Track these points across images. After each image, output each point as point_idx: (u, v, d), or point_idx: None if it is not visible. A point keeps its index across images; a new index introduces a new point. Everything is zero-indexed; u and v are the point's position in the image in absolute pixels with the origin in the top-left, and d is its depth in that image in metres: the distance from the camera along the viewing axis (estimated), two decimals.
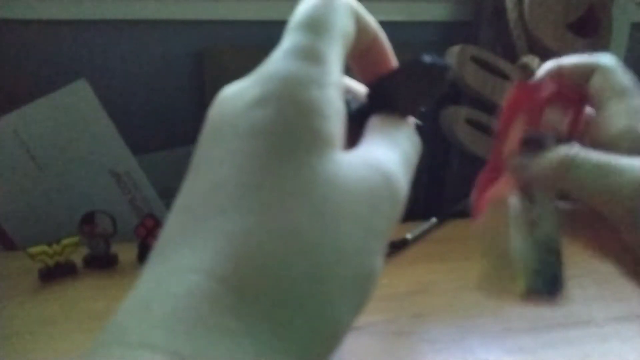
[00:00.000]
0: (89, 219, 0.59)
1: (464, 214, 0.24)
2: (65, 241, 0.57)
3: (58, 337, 0.47)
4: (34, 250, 0.56)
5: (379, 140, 0.19)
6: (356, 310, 0.16)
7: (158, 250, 0.17)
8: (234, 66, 0.74)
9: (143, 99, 0.75)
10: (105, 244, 0.60)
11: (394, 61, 0.23)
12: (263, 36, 0.77)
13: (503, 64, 0.75)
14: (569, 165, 0.26)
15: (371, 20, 0.21)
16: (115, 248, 0.61)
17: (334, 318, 0.16)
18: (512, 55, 0.76)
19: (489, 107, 0.76)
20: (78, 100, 0.67)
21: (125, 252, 0.61)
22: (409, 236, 0.63)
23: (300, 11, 0.19)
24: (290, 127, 0.16)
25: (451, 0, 0.82)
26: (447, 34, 0.83)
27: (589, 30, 0.78)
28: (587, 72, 0.29)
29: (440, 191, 0.85)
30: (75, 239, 0.58)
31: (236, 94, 0.18)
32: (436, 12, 0.82)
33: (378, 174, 0.17)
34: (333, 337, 0.16)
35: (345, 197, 0.16)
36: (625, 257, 0.27)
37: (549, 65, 0.30)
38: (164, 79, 0.76)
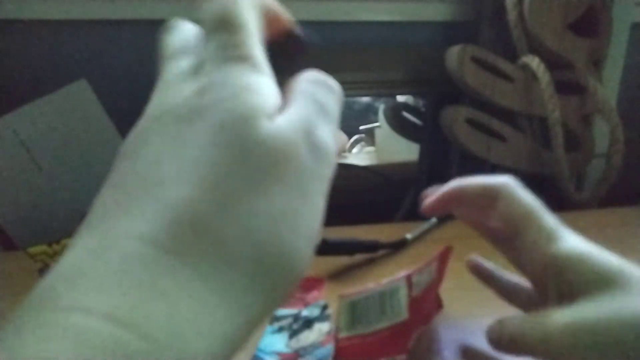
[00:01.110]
0: None
1: None
2: (65, 241, 0.57)
3: None
4: (33, 250, 0.56)
5: (295, 102, 0.19)
6: (293, 269, 0.17)
7: (87, 223, 0.17)
8: None
9: (143, 99, 0.75)
10: None
11: (287, 23, 0.24)
12: None
13: (503, 64, 0.75)
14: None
15: None
16: None
17: (270, 278, 0.16)
18: (512, 55, 0.76)
19: (489, 107, 0.76)
20: (78, 100, 0.67)
21: None
22: (408, 236, 0.63)
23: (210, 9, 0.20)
24: (223, 106, 0.17)
25: (451, 0, 0.82)
26: (447, 34, 0.83)
27: (589, 30, 0.78)
28: (489, 198, 0.29)
29: None
30: None
31: (174, 90, 0.19)
32: (436, 12, 0.82)
33: (300, 135, 0.18)
34: (269, 296, 0.16)
35: (274, 162, 0.17)
36: None
37: (451, 187, 0.31)
38: None
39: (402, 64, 0.79)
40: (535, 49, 0.76)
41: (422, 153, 0.87)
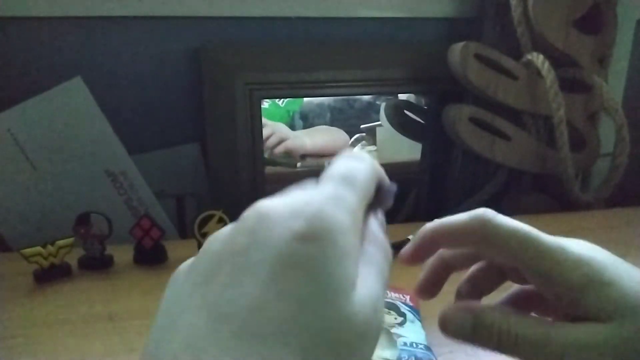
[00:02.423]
0: (84, 220, 0.58)
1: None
2: (60, 242, 0.56)
3: (53, 339, 0.46)
4: (28, 251, 0.55)
5: (368, 271, 0.20)
6: None
7: None
8: (231, 63, 0.73)
9: (139, 97, 0.75)
10: (101, 245, 0.59)
11: None
12: (260, 33, 0.76)
13: (507, 62, 0.74)
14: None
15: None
16: (110, 249, 0.60)
17: None
18: (516, 53, 0.75)
19: (493, 106, 0.75)
20: (73, 98, 0.66)
21: (121, 253, 0.60)
22: (410, 237, 0.61)
23: (339, 166, 0.22)
24: (328, 269, 0.18)
25: None
26: (450, 30, 0.82)
27: (593, 27, 0.77)
28: (471, 236, 0.28)
29: (442, 191, 0.84)
30: (70, 240, 0.57)
31: (279, 219, 0.19)
32: (439, 9, 0.81)
33: (374, 314, 0.19)
34: None
35: (353, 339, 0.18)
36: None
37: (427, 230, 0.30)
38: (160, 77, 0.75)
39: (404, 62, 0.78)
40: (540, 46, 0.75)
41: (424, 152, 0.86)
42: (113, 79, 0.73)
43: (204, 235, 0.60)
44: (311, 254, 0.18)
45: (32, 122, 0.65)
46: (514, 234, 0.27)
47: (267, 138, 1.14)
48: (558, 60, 0.75)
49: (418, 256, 0.31)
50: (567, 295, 0.26)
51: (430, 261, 0.32)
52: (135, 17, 0.72)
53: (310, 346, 0.17)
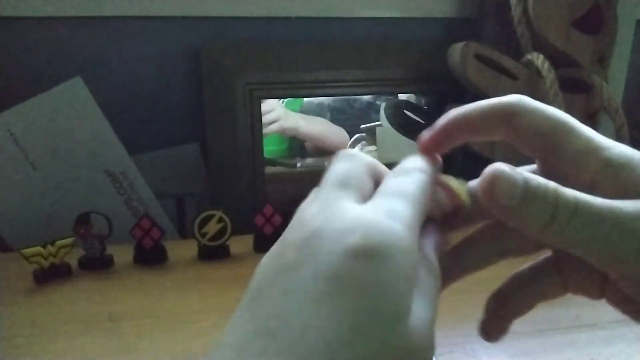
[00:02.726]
0: (84, 220, 0.58)
1: None
2: (60, 242, 0.56)
3: (52, 339, 0.46)
4: (28, 251, 0.55)
5: (423, 299, 0.19)
6: None
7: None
8: (231, 63, 0.73)
9: (139, 97, 0.75)
10: (101, 245, 0.59)
11: None
12: (260, 33, 0.76)
13: (507, 61, 0.74)
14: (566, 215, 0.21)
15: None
16: (110, 249, 0.60)
17: None
18: (516, 53, 0.75)
19: None
20: (73, 98, 0.66)
21: (121, 253, 0.60)
22: None
23: (391, 182, 0.22)
24: (385, 291, 0.17)
25: None
26: (450, 30, 0.82)
27: (594, 27, 0.77)
28: (502, 118, 0.25)
29: None
30: (70, 240, 0.57)
31: (331, 232, 0.18)
32: (439, 9, 0.81)
33: (430, 348, 0.18)
34: None
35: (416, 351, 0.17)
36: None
37: (452, 116, 0.26)
38: (160, 77, 0.75)
39: (404, 61, 0.78)
40: (540, 46, 0.75)
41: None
42: (113, 79, 0.73)
43: (204, 235, 0.60)
44: (367, 272, 0.17)
45: (32, 122, 0.65)
46: (550, 117, 0.24)
47: (266, 113, 1.14)
48: (558, 60, 0.75)
49: (439, 142, 0.26)
50: (606, 172, 0.23)
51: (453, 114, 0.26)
52: (135, 17, 0.72)
53: None
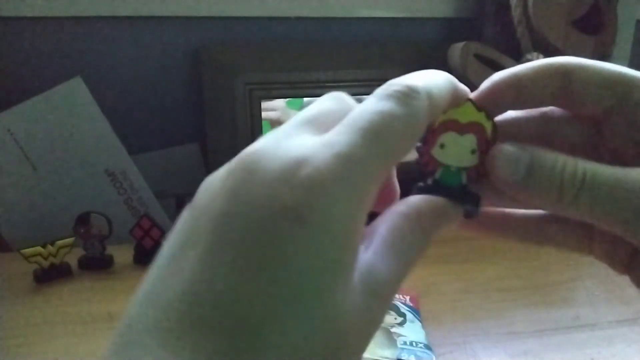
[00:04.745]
0: (84, 220, 0.58)
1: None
2: (60, 242, 0.57)
3: (52, 339, 0.47)
4: (28, 251, 0.55)
5: (385, 255, 0.19)
6: None
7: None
8: (231, 63, 0.73)
9: (139, 97, 0.75)
10: (101, 245, 0.59)
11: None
12: (260, 33, 0.76)
13: (507, 61, 0.74)
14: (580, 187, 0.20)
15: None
16: (110, 249, 0.60)
17: None
18: (516, 53, 0.75)
19: None
20: (73, 98, 0.66)
21: (121, 253, 0.60)
22: None
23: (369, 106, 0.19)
24: (309, 262, 0.15)
25: None
26: (450, 30, 0.82)
27: (594, 27, 0.77)
28: (556, 80, 0.22)
29: None
30: (70, 240, 0.57)
31: (265, 179, 0.16)
32: (439, 9, 0.81)
33: (375, 309, 0.17)
34: None
35: (343, 333, 0.16)
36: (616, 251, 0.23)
37: (501, 76, 0.23)
38: (160, 77, 0.75)
39: (403, 61, 0.78)
40: (540, 46, 0.75)
41: None
42: (113, 79, 0.73)
43: None
44: (293, 238, 0.15)
45: (32, 122, 0.65)
46: (611, 73, 0.22)
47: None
48: None
49: (492, 98, 0.23)
50: None
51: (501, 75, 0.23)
52: (135, 17, 0.72)
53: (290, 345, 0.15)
